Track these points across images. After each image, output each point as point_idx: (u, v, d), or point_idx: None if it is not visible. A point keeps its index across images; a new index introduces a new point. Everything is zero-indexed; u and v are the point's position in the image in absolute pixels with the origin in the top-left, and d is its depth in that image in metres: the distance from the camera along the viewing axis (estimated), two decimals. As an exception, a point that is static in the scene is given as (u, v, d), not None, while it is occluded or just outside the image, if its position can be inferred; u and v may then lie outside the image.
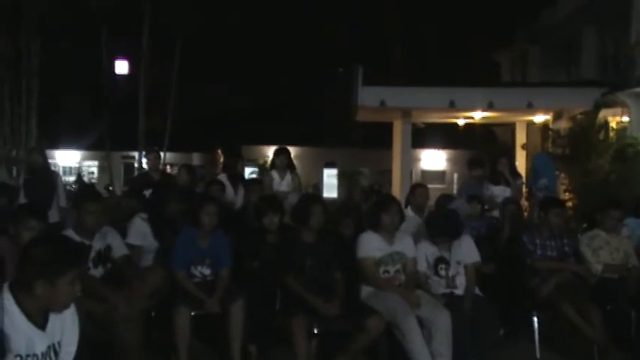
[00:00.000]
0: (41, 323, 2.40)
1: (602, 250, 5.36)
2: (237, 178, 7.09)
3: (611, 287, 5.12)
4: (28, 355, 2.33)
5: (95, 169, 31.12)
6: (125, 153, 26.98)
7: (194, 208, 4.70)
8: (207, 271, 4.70)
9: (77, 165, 31.10)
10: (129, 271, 4.42)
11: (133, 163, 27.26)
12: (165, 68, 19.40)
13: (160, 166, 7.65)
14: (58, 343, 2.43)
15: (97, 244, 4.38)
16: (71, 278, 2.43)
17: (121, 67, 23.89)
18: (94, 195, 4.76)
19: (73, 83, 22.30)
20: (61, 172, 19.37)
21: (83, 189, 7.01)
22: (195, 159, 28.91)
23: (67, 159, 30.47)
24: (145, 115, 18.93)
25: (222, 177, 7.08)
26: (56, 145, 26.55)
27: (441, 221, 4.96)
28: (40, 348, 2.36)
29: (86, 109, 24.66)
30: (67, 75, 20.07)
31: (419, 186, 6.49)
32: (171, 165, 21.34)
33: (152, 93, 19.63)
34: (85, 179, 28.15)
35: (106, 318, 3.88)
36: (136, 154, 23.09)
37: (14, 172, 11.73)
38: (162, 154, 8.03)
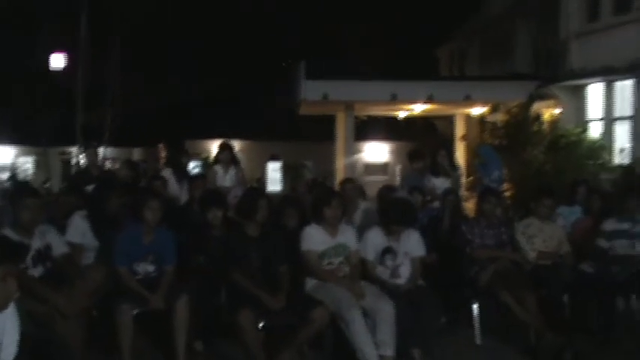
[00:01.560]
0: None
1: (536, 238, 5.57)
2: (181, 172, 7.04)
3: (545, 274, 5.33)
4: None
5: (30, 166, 30.11)
6: (62, 149, 26.21)
7: (137, 204, 4.64)
8: (150, 268, 4.65)
9: (11, 161, 30.03)
10: (69, 269, 4.33)
11: (70, 160, 26.53)
12: (104, 62, 18.94)
13: (99, 162, 7.50)
14: (0, 343, 2.39)
15: (36, 243, 4.27)
16: (3, 275, 2.38)
17: (57, 60, 23.14)
18: (31, 190, 4.64)
19: (8, 77, 21.55)
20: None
21: (19, 185, 6.78)
22: (137, 154, 28.34)
23: (0, 155, 29.38)
24: (83, 110, 18.43)
25: (167, 172, 7.02)
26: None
27: (399, 210, 5.04)
28: None
29: (22, 104, 23.85)
30: (1, 68, 19.44)
31: (347, 181, 6.64)
32: (113, 160, 20.87)
33: (91, 87, 19.14)
34: (20, 176, 27.22)
35: (47, 317, 3.80)
36: (73, 149, 22.47)
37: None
38: (100, 149, 7.86)
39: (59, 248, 4.40)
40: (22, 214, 4.19)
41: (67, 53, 21.53)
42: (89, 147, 7.40)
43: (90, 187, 6.12)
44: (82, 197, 5.80)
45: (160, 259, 4.66)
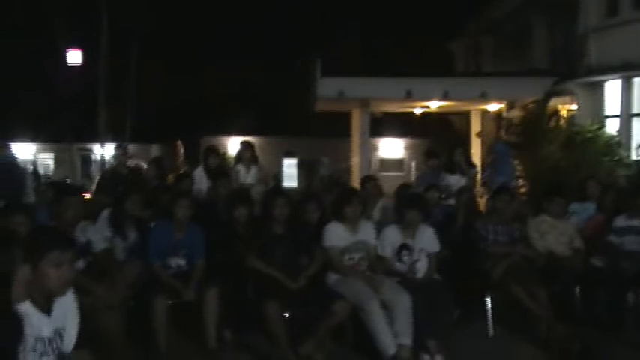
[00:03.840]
0: (47, 309, 2.62)
1: (548, 235, 5.78)
2: (210, 171, 7.27)
3: (556, 268, 5.53)
4: (37, 339, 2.56)
5: (51, 162, 30.62)
6: (82, 145, 26.64)
7: (169, 203, 4.94)
8: (182, 262, 4.95)
9: (32, 158, 30.55)
10: (109, 262, 4.64)
11: (90, 156, 26.95)
12: (123, 58, 19.21)
13: (128, 162, 7.81)
14: (63, 327, 2.66)
15: (79, 239, 4.55)
16: (55, 261, 2.63)
17: (74, 57, 23.44)
18: (74, 189, 4.94)
19: (27, 75, 21.93)
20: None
21: (58, 184, 7.14)
22: (155, 150, 28.72)
23: (22, 152, 29.89)
24: (104, 107, 18.75)
25: (199, 171, 7.32)
26: (11, 138, 26.03)
27: (412, 204, 5.28)
28: (46, 332, 2.58)
29: (41, 101, 24.26)
30: (20, 67, 19.74)
31: (369, 179, 6.89)
32: (134, 157, 21.17)
33: (109, 84, 19.42)
34: (41, 172, 27.70)
35: (90, 309, 4.07)
36: (93, 146, 22.83)
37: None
38: (129, 148, 8.16)
39: (99, 244, 4.71)
40: (66, 211, 4.48)
41: (84, 50, 21.88)
42: (119, 147, 7.70)
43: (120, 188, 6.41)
44: (113, 196, 6.10)
45: (190, 254, 4.96)
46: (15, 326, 2.32)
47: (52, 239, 2.74)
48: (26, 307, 2.53)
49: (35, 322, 2.53)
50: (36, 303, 2.56)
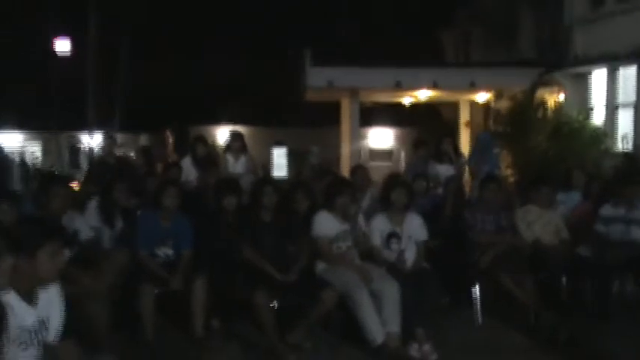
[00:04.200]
0: (30, 300, 2.60)
1: (535, 224, 5.81)
2: (198, 160, 7.26)
3: (543, 257, 5.56)
4: (21, 329, 2.54)
5: (38, 151, 30.39)
6: (70, 134, 26.44)
7: (156, 192, 4.92)
8: (169, 252, 4.94)
9: (20, 147, 30.29)
10: (96, 251, 4.62)
11: (78, 145, 26.76)
12: (112, 47, 19.07)
13: (116, 151, 7.78)
14: (47, 318, 2.65)
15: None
16: (51, 251, 2.63)
17: (62, 45, 23.22)
18: (61, 179, 4.91)
19: (15, 63, 21.71)
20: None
21: (45, 173, 7.10)
22: (143, 140, 28.57)
23: (8, 141, 29.63)
24: (93, 95, 18.62)
25: (186, 161, 7.30)
26: (-2, 127, 25.80)
27: (396, 184, 5.32)
28: (30, 322, 2.56)
29: (29, 90, 24.03)
30: (8, 55, 19.54)
31: (359, 167, 6.89)
32: (122, 146, 21.06)
33: (98, 72, 19.27)
34: (28, 161, 27.48)
35: (75, 298, 4.05)
36: (81, 135, 22.66)
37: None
38: (117, 137, 8.13)
39: (85, 233, 4.69)
40: (53, 201, 4.45)
41: (72, 38, 21.66)
42: (107, 136, 7.66)
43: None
44: (100, 186, 6.06)
45: (178, 243, 4.94)
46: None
47: (49, 229, 2.75)
48: (9, 297, 2.51)
49: (19, 312, 2.51)
50: (20, 293, 2.54)
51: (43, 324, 2.62)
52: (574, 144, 12.08)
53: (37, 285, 2.63)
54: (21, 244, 2.57)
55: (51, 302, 2.67)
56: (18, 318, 2.49)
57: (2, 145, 7.73)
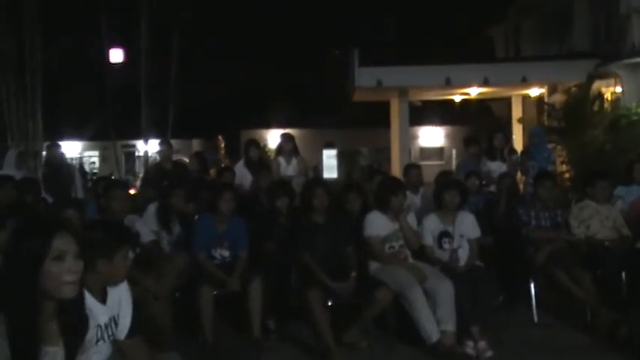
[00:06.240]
0: (102, 298, 2.75)
1: (592, 220, 5.71)
2: (251, 164, 7.39)
3: (601, 253, 5.46)
4: (96, 328, 2.68)
5: (96, 159, 31.36)
6: (125, 142, 27.17)
7: (212, 196, 5.07)
8: (226, 253, 5.07)
9: (79, 156, 31.33)
10: (157, 254, 4.79)
11: (133, 152, 27.50)
12: (163, 54, 19.48)
13: (172, 156, 7.98)
14: (117, 315, 2.79)
15: (129, 231, 4.71)
16: (124, 253, 2.81)
17: (116, 55, 23.88)
18: (120, 183, 5.10)
19: (71, 74, 22.43)
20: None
21: (105, 179, 7.38)
22: (196, 145, 29.13)
23: (68, 150, 30.70)
24: (146, 104, 19.09)
25: (240, 164, 7.45)
26: (59, 137, 26.76)
27: (449, 185, 5.32)
28: (102, 320, 2.71)
29: (85, 100, 24.83)
30: (65, 67, 20.16)
31: (412, 167, 6.88)
32: (177, 152, 21.49)
33: (150, 80, 19.72)
34: (87, 169, 28.39)
35: (139, 299, 4.21)
36: (136, 142, 23.24)
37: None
38: (172, 143, 8.34)
39: (147, 236, 4.87)
40: (113, 205, 4.63)
41: (125, 48, 22.27)
42: (164, 142, 7.88)
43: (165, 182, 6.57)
44: (158, 190, 6.26)
45: (234, 245, 5.07)
46: (85, 317, 2.44)
47: (123, 232, 2.94)
48: (85, 297, 2.66)
49: (94, 311, 2.65)
50: (92, 292, 2.68)
51: (112, 320, 2.76)
52: (632, 137, 11.76)
53: (108, 284, 2.78)
54: (100, 247, 2.72)
55: (121, 300, 2.81)
56: (93, 317, 2.63)
57: (65, 155, 8.03)
